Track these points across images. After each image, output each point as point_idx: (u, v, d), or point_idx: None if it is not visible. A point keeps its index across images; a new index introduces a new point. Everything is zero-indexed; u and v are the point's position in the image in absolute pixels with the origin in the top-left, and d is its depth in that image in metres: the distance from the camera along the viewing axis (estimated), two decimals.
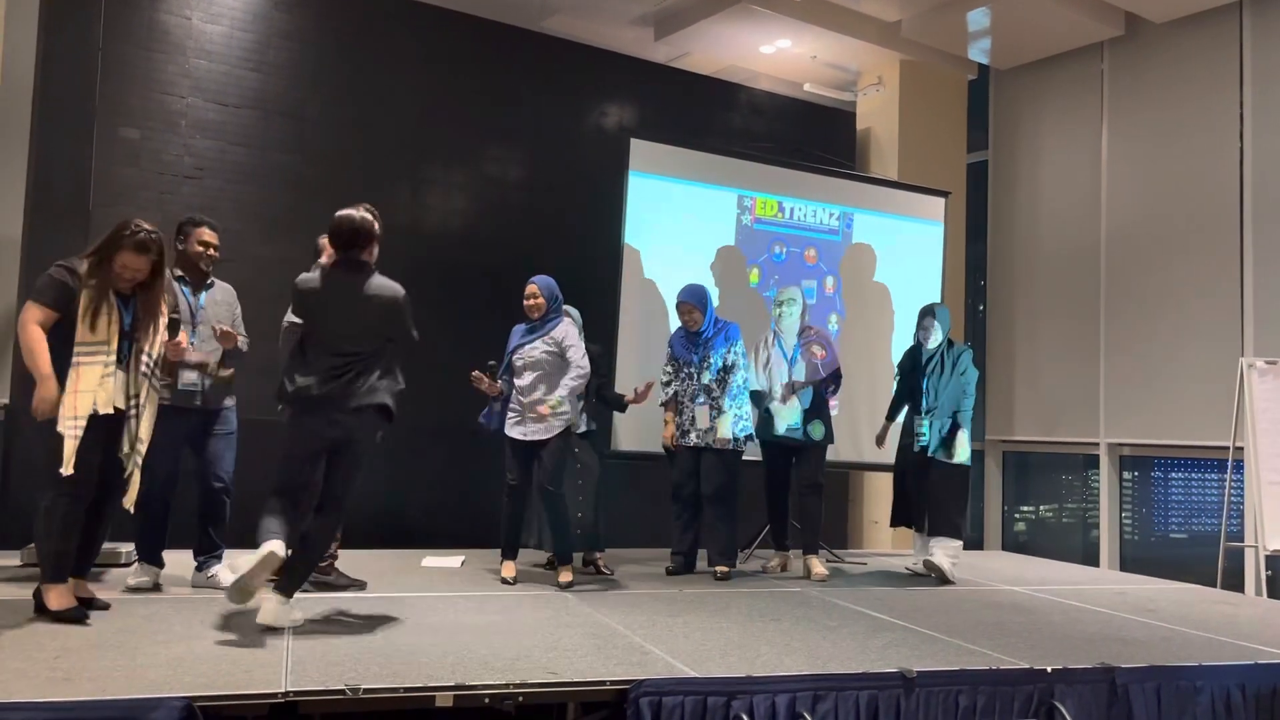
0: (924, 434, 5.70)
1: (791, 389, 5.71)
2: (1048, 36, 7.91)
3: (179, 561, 4.67)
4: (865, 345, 7.40)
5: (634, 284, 6.66)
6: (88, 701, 2.74)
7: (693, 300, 5.56)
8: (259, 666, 3.17)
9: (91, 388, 3.66)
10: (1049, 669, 3.58)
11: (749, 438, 5.57)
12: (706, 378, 5.50)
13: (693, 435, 5.51)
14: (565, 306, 5.50)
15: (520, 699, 3.10)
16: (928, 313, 5.89)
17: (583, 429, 5.54)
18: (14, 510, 5.38)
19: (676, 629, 4.05)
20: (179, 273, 4.52)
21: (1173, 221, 7.50)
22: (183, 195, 6.08)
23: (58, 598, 3.70)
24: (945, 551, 5.69)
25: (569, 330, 5.11)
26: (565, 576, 5.01)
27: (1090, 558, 7.87)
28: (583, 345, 5.16)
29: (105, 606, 3.96)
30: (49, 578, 3.71)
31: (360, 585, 4.70)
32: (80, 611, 3.71)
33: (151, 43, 6.10)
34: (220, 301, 4.66)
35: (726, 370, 5.49)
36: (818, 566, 5.69)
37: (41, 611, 3.70)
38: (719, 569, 5.45)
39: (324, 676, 3.07)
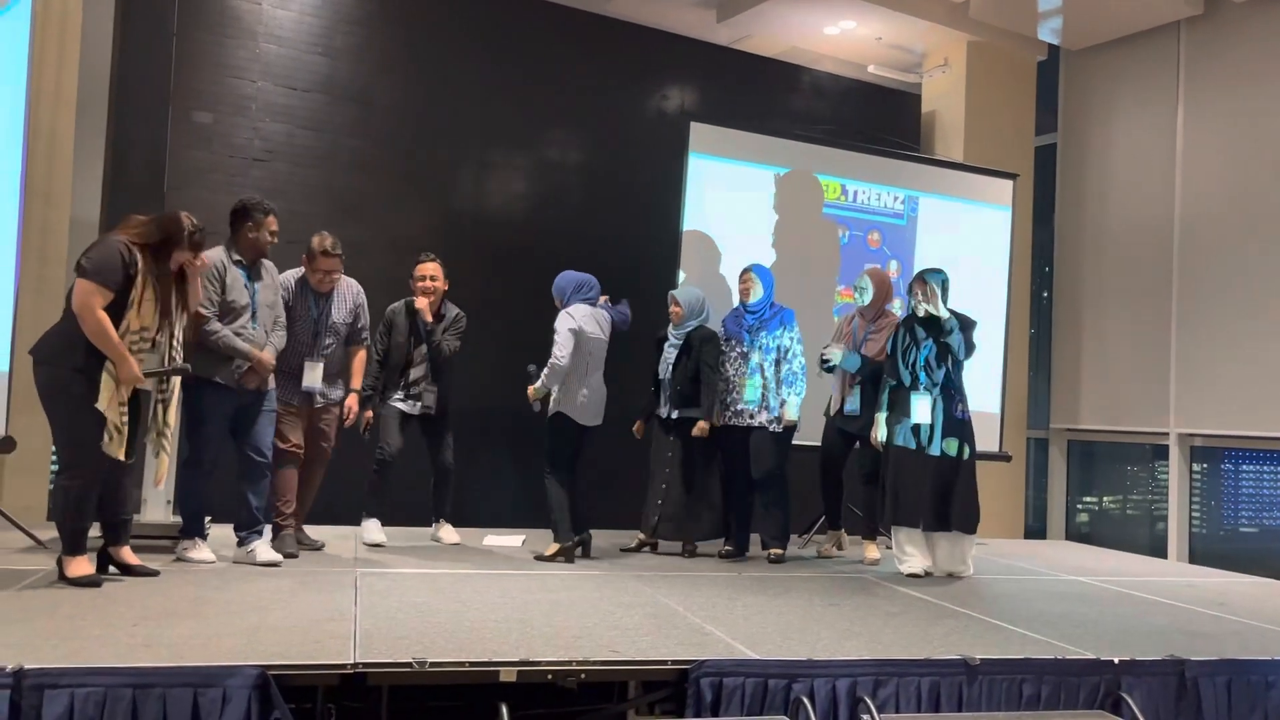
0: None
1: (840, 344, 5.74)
2: (1121, 16, 7.70)
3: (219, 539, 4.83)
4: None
5: (693, 267, 6.64)
6: (167, 668, 2.83)
7: (755, 273, 5.60)
8: (329, 638, 3.24)
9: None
10: (1116, 660, 3.52)
11: (791, 425, 5.47)
12: (757, 358, 5.48)
13: (744, 413, 5.46)
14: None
15: (583, 676, 3.14)
16: (922, 277, 5.30)
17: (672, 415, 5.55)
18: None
19: (736, 611, 4.06)
20: (236, 258, 4.61)
21: (1250, 207, 7.27)
22: (252, 178, 6.21)
23: (74, 568, 3.91)
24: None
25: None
26: (549, 550, 5.19)
27: (1156, 550, 7.70)
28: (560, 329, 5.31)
29: (154, 573, 4.12)
30: (66, 551, 3.93)
31: (318, 546, 5.09)
32: (95, 578, 3.93)
33: (224, 28, 6.22)
34: (269, 285, 4.76)
35: (782, 354, 5.46)
36: (872, 551, 5.71)
37: (61, 578, 3.91)
38: (773, 551, 5.47)
39: (391, 649, 3.14)
